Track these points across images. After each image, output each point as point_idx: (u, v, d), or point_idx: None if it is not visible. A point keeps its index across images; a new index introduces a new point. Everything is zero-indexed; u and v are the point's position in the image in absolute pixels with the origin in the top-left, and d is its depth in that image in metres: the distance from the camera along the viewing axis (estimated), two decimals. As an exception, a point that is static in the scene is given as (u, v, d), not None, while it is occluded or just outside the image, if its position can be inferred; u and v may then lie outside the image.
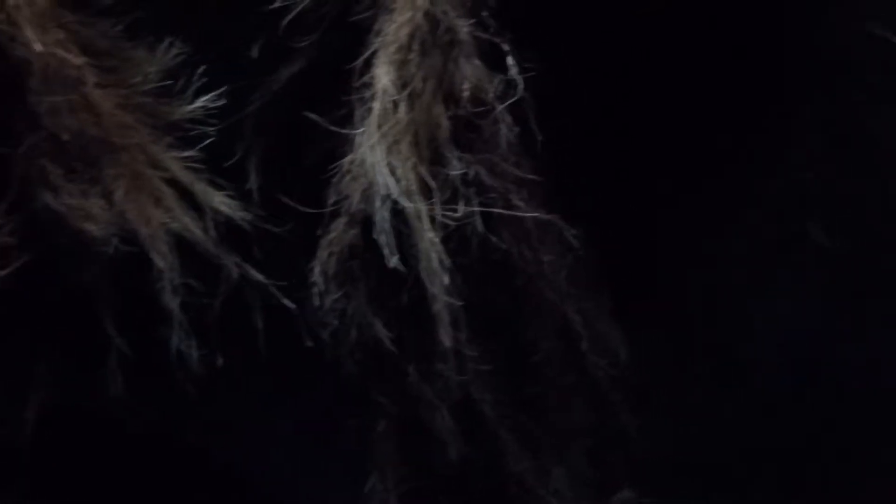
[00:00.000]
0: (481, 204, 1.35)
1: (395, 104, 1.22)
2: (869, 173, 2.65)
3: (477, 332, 1.43)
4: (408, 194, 1.23)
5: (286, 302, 1.25)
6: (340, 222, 1.39)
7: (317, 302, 1.36)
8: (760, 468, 3.19)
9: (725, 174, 2.12)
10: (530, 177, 1.39)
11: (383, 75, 1.21)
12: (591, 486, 1.67)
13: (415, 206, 1.20)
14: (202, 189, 1.21)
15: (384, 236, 1.23)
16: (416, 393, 1.43)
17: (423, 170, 1.23)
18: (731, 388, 2.86)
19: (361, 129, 1.24)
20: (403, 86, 1.23)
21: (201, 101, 1.39)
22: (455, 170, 1.34)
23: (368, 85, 1.26)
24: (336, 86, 1.48)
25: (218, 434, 1.51)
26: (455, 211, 1.33)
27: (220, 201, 1.23)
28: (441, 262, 1.21)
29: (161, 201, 1.20)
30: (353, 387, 1.45)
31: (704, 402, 2.65)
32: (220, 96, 1.44)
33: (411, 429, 1.47)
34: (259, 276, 1.25)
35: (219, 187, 1.28)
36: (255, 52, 1.38)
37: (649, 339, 2.25)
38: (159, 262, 1.18)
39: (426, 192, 1.25)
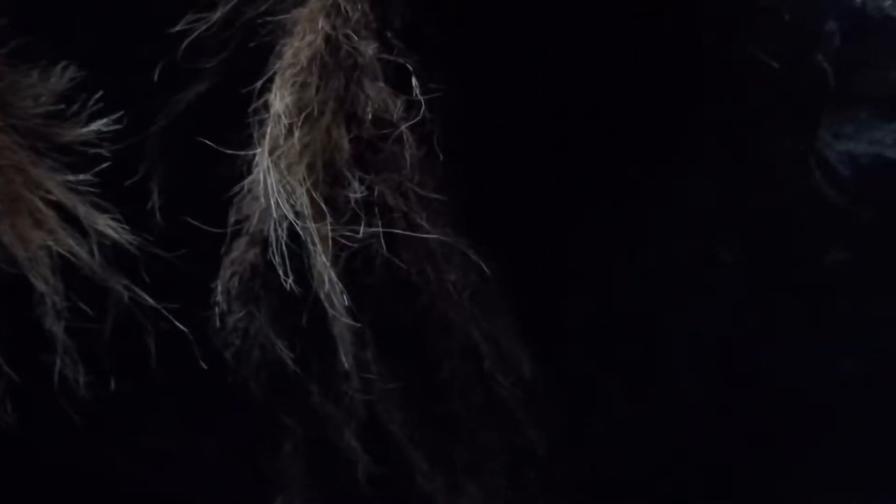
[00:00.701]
0: (384, 224, 1.34)
1: (291, 127, 1.20)
2: (762, 187, 2.69)
3: (382, 352, 1.42)
4: (302, 216, 1.21)
5: (179, 325, 1.23)
6: (242, 242, 1.37)
7: (218, 322, 1.34)
8: (681, 477, 3.19)
9: (631, 195, 2.14)
10: (434, 196, 1.39)
11: (278, 99, 1.20)
12: (502, 499, 1.66)
13: (309, 228, 1.19)
14: (86, 211, 1.18)
15: (279, 257, 1.22)
16: (321, 413, 1.41)
17: (318, 192, 1.22)
18: (649, 402, 2.87)
19: (258, 151, 1.23)
20: (300, 109, 1.22)
21: (95, 125, 1.36)
22: (356, 191, 1.33)
23: (266, 107, 1.25)
24: (239, 108, 1.46)
25: (120, 458, 1.47)
26: (357, 232, 1.32)
27: (106, 224, 1.20)
28: (336, 283, 1.20)
29: (42, 223, 1.17)
30: (259, 408, 1.43)
31: (622, 417, 2.66)
32: (119, 118, 1.42)
33: (319, 449, 1.45)
34: (149, 299, 1.23)
35: (105, 210, 1.26)
36: (156, 75, 1.36)
37: (563, 356, 2.25)
38: (40, 285, 1.15)
39: (323, 214, 1.24)
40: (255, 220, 1.33)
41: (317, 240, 1.16)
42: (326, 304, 1.26)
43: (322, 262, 1.15)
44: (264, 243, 1.31)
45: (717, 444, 3.50)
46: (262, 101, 1.23)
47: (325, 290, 1.23)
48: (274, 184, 1.18)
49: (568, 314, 2.35)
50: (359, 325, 1.35)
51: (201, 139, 1.32)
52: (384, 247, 1.31)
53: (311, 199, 1.19)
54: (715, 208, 2.76)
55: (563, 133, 1.72)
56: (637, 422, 2.98)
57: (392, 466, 1.59)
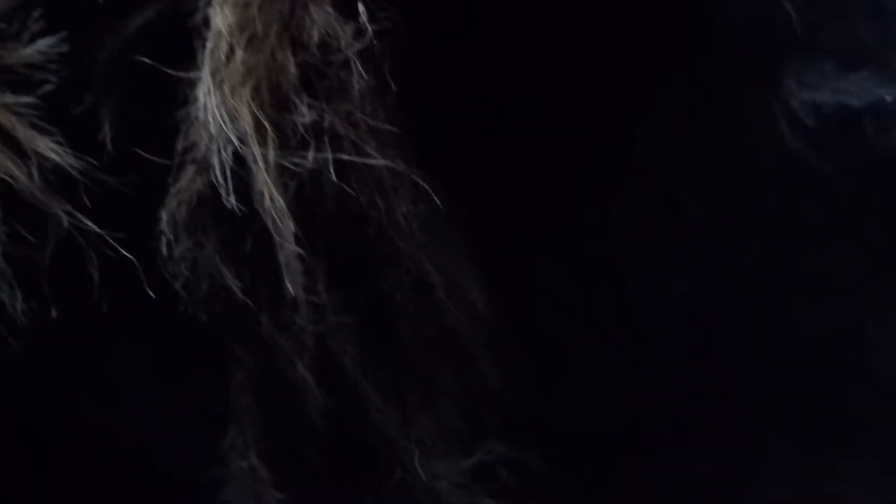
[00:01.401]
0: (334, 152, 1.32)
1: (233, 48, 1.18)
2: (728, 137, 2.68)
3: (333, 283, 1.41)
4: (247, 140, 1.19)
5: (125, 253, 1.21)
6: (189, 170, 1.34)
7: (165, 251, 1.32)
8: (651, 433, 3.20)
9: (594, 143, 2.12)
10: (385, 127, 1.37)
11: (219, 18, 1.17)
12: (459, 439, 1.66)
13: (254, 152, 1.17)
14: (26, 133, 1.15)
15: (223, 182, 1.19)
16: (271, 344, 1.39)
17: (263, 115, 1.20)
18: (621, 358, 2.87)
19: (201, 72, 1.20)
20: (242, 28, 1.19)
21: (40, 45, 1.33)
22: (304, 117, 1.30)
23: (208, 25, 1.22)
24: (188, 32, 1.42)
25: (67, 390, 1.46)
26: (305, 158, 1.30)
27: (47, 147, 1.17)
28: (282, 209, 1.18)
29: (-25, 144, 1.14)
30: (209, 339, 1.41)
31: (592, 372, 2.65)
32: (64, 41, 1.38)
33: (270, 382, 1.44)
34: (92, 226, 1.20)
35: (47, 132, 1.23)
36: (101, -1, 1.32)
37: (531, 309, 2.25)
38: (-28, 208, 1.12)
39: (269, 138, 1.22)
40: (201, 146, 1.30)
41: (262, 164, 1.14)
42: (273, 232, 1.24)
43: (268, 188, 1.13)
44: (211, 171, 1.28)
45: (689, 400, 3.54)
46: (202, 17, 1.19)
47: (271, 216, 1.21)
48: (215, 106, 1.15)
49: (535, 266, 2.34)
50: (304, 252, 1.33)
51: (149, 63, 1.28)
52: (333, 175, 1.29)
53: (257, 122, 1.16)
54: (682, 160, 2.76)
55: (524, 71, 1.70)
56: (608, 376, 2.99)
57: (344, 400, 1.58)
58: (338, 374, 1.57)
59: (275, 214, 1.17)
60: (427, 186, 1.32)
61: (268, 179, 1.11)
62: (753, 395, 3.45)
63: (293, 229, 1.23)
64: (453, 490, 1.69)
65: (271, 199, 1.11)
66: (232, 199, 1.15)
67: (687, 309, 3.03)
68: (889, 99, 2.61)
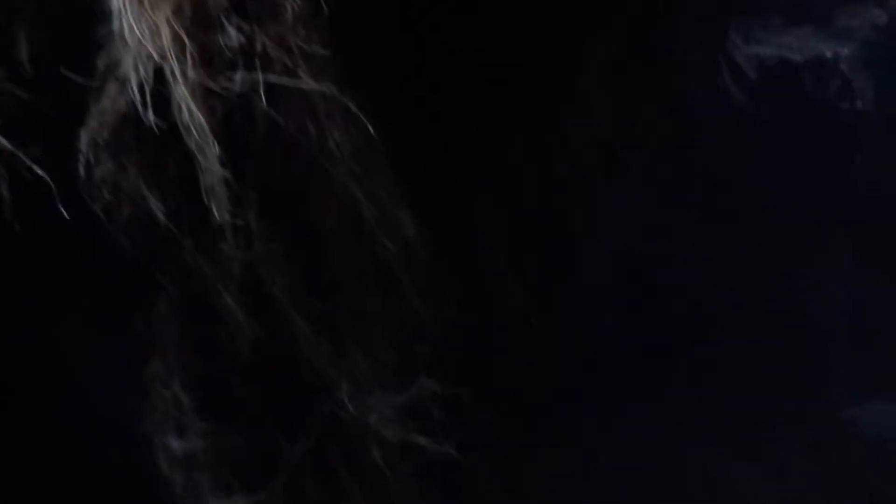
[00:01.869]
0: (264, 75, 1.28)
1: (151, -40, 1.13)
2: (672, 89, 2.67)
3: (263, 210, 1.37)
4: (167, 57, 1.14)
5: (40, 172, 1.16)
6: (111, 89, 1.29)
7: (84, 173, 1.27)
8: (583, 378, 3.21)
9: (536, 92, 2.10)
10: (318, 51, 1.32)
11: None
12: (391, 374, 1.65)
13: (171, 66, 1.12)
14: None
15: (139, 95, 1.15)
16: (198, 272, 1.36)
17: (188, 35, 1.15)
18: (559, 304, 2.87)
19: (123, -13, 1.15)
20: (163, -58, 1.14)
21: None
22: (233, 38, 1.25)
23: (126, -63, 1.17)
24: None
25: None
26: (233, 81, 1.25)
27: (-46, 60, 1.11)
28: (199, 123, 1.13)
29: None
30: (130, 265, 1.37)
31: (529, 317, 2.65)
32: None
33: (196, 311, 1.41)
34: (5, 143, 1.15)
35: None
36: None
37: (471, 253, 2.22)
38: None
39: (192, 57, 1.17)
40: (124, 64, 1.25)
41: (181, 80, 1.09)
42: (196, 154, 1.20)
43: (187, 104, 1.08)
44: (128, 84, 1.22)
45: (627, 350, 3.59)
46: (120, -72, 1.13)
47: (192, 136, 1.17)
48: (133, 20, 1.10)
49: (474, 206, 2.33)
50: (233, 177, 1.29)
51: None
52: (264, 100, 1.25)
53: (176, 37, 1.11)
54: (620, 109, 2.76)
55: (463, 7, 1.66)
56: (545, 322, 3.02)
57: (274, 331, 1.56)
58: (267, 304, 1.54)
59: (195, 133, 1.13)
60: (360, 113, 1.29)
61: (187, 95, 1.06)
62: (690, 344, 3.52)
63: (217, 152, 1.19)
64: (384, 424, 1.69)
65: (190, 114, 1.07)
66: (150, 115, 1.10)
67: (627, 259, 3.06)
68: (829, 54, 2.65)
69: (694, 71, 2.52)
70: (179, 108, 1.13)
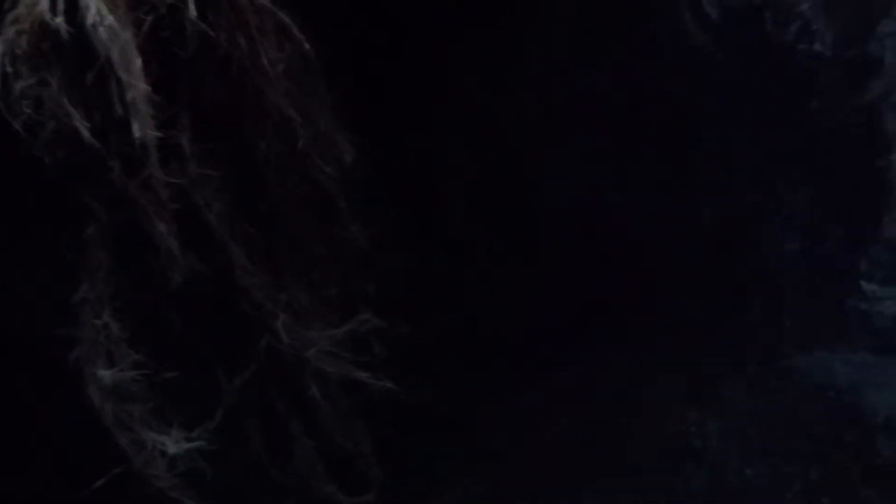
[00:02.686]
0: (194, -15, 1.21)
1: None
2: (625, 25, 2.61)
3: (197, 132, 1.31)
4: (85, -42, 1.07)
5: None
6: (28, -6, 1.21)
7: (3, 87, 1.20)
8: (543, 325, 3.17)
9: (486, 36, 2.03)
10: (252, -38, 1.26)
11: None
12: (331, 307, 1.62)
13: (88, -32, 1.06)
14: None
15: (61, 9, 1.07)
16: (127, 196, 1.30)
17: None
18: (523, 241, 2.83)
19: None
20: None
21: None
22: (160, -56, 1.18)
23: None
24: None
25: None
26: (161, -10, 1.18)
27: None
28: (112, 28, 1.06)
29: None
30: (55, 186, 1.31)
31: (492, 265, 2.61)
32: None
33: (125, 236, 1.35)
34: None
35: None
36: None
37: (427, 174, 2.17)
38: None
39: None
40: (42, -32, 1.16)
41: (101, -9, 1.01)
42: (118, 70, 1.13)
43: (97, 4, 1.01)
44: (53, -5, 1.14)
45: (586, 294, 3.60)
46: None
47: (115, 52, 1.10)
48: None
49: (431, 137, 2.28)
50: (164, 96, 1.23)
51: None
52: (192, 10, 1.18)
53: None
54: (579, 39, 2.71)
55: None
56: (500, 263, 3.00)
57: (209, 259, 1.51)
58: (202, 231, 1.49)
59: (106, 39, 1.05)
60: (295, 28, 1.22)
61: (109, 9, 0.99)
62: (644, 289, 3.53)
63: (140, 65, 1.12)
64: (323, 358, 1.66)
65: (100, 16, 1.00)
66: (61, 22, 1.03)
67: (589, 192, 3.03)
68: (790, -5, 2.61)
69: (655, 5, 2.48)
70: (93, 14, 1.06)
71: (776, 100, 2.71)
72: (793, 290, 4.00)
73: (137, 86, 1.14)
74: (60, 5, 1.05)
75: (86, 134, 1.24)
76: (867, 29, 2.68)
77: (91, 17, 0.99)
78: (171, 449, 1.59)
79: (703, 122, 2.90)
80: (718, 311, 3.75)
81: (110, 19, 1.01)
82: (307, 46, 1.21)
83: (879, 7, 2.55)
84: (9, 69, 1.22)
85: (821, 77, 2.62)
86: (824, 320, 4.13)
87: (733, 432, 4.02)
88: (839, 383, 4.21)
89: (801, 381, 4.12)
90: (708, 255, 3.50)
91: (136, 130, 1.14)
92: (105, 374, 1.37)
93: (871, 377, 4.27)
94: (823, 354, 4.28)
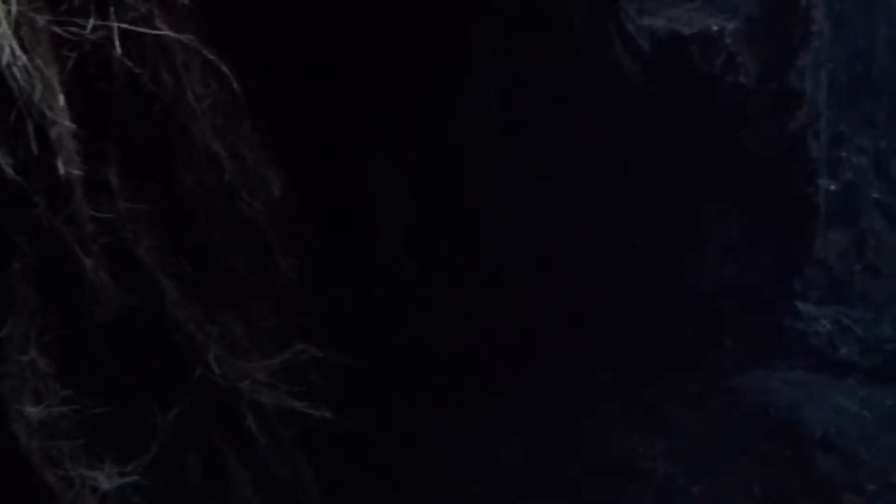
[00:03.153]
0: (119, 22, 1.21)
1: None
2: (562, 54, 2.67)
3: (126, 167, 1.31)
4: (2, -4, 1.07)
5: None
6: (-51, 33, 1.20)
7: (-76, 124, 1.18)
8: (481, 346, 3.18)
9: (420, 56, 2.06)
10: (179, 1, 1.27)
11: None
12: (265, 338, 1.61)
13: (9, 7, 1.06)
14: None
15: (-25, 40, 1.08)
16: (53, 232, 1.29)
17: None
18: (464, 261, 2.84)
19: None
20: None
21: None
22: (82, -18, 1.19)
23: None
24: None
25: None
26: (84, 27, 1.18)
27: None
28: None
29: None
30: (-21, 222, 1.29)
31: (428, 278, 2.61)
32: None
33: (54, 272, 1.34)
34: None
35: None
36: None
37: (362, 204, 2.18)
38: None
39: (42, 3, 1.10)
40: (-38, 7, 1.15)
41: (3, 17, 1.01)
42: (42, 106, 1.13)
43: (9, 43, 1.01)
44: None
45: (526, 319, 3.63)
46: None
47: (37, 90, 1.10)
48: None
49: (365, 168, 2.29)
50: (90, 131, 1.22)
51: None
52: (118, 47, 1.19)
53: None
54: (517, 75, 2.77)
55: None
56: (440, 288, 3.00)
57: (139, 293, 1.50)
58: (132, 265, 1.48)
59: (21, 78, 1.05)
60: (222, 65, 1.24)
61: (9, 33, 0.99)
62: (586, 316, 3.56)
63: (63, 102, 1.12)
64: (258, 389, 1.65)
65: (13, 56, 1.00)
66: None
67: (525, 222, 3.06)
68: (715, 28, 2.70)
69: (587, 36, 2.53)
70: (7, 55, 1.06)
71: (704, 130, 2.78)
72: (730, 313, 4.09)
73: (62, 122, 1.14)
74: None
75: (9, 171, 1.23)
76: (788, 61, 2.78)
77: (5, 58, 0.99)
78: (104, 485, 1.57)
79: (634, 152, 2.96)
80: (656, 337, 3.81)
81: (24, 59, 1.01)
82: (234, 84, 1.22)
83: (798, 40, 2.64)
84: (-69, 107, 1.20)
85: (747, 108, 2.71)
86: (762, 341, 4.22)
87: (678, 453, 4.08)
88: (778, 401, 4.30)
89: (741, 401, 4.19)
90: (642, 282, 3.56)
91: (61, 166, 1.14)
92: (32, 411, 1.35)
93: (808, 395, 4.36)
94: (762, 373, 4.37)
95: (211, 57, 1.22)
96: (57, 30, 1.14)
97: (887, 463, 3.78)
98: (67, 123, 1.16)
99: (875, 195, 4.37)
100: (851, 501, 3.61)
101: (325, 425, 1.90)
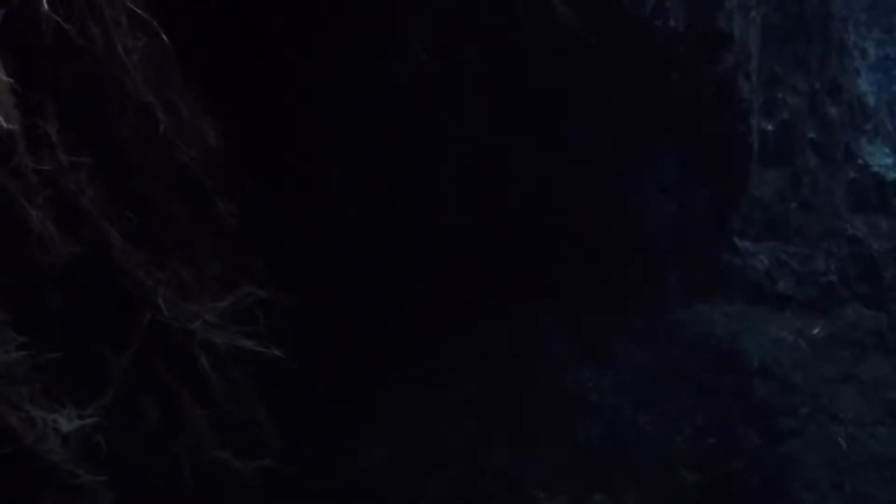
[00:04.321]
0: (45, -23, 1.24)
1: None
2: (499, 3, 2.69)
3: (64, 120, 1.35)
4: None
5: None
6: None
7: None
8: (440, 296, 3.23)
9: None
10: (106, -44, 1.29)
11: None
12: (213, 281, 1.67)
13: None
14: None
15: None
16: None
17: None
18: (415, 211, 2.89)
19: None
20: None
21: None
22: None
23: None
24: None
25: None
26: (11, -17, 1.21)
27: None
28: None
29: None
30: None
31: (376, 225, 2.66)
32: None
33: (2, 224, 1.38)
34: None
35: None
36: None
37: (309, 153, 2.21)
38: None
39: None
40: None
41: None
42: (-24, 62, 1.16)
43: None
44: None
45: (475, 262, 3.71)
46: None
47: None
48: None
49: (308, 118, 2.31)
50: (27, 86, 1.26)
51: None
52: (45, 3, 1.22)
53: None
54: (446, 25, 2.80)
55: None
56: (399, 243, 3.07)
57: (86, 242, 1.54)
58: (77, 215, 1.52)
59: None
60: (151, 18, 1.27)
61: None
62: (534, 252, 3.64)
63: (-3, 57, 1.15)
64: (209, 330, 1.72)
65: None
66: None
67: (467, 164, 3.11)
68: (645, -29, 2.74)
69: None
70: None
71: (638, 72, 2.85)
72: (671, 250, 4.21)
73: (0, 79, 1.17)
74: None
75: (-50, 125, 1.26)
76: (715, 4, 2.84)
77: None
78: (65, 426, 1.63)
79: (572, 94, 3.02)
80: (602, 274, 3.92)
81: None
82: (164, 36, 1.26)
83: (725, -17, 2.70)
84: None
85: (676, 50, 2.77)
86: (702, 276, 4.36)
87: (625, 385, 4.23)
88: (718, 333, 4.46)
89: (684, 334, 4.35)
90: (585, 222, 3.66)
91: (2, 121, 1.18)
92: (-11, 357, 1.39)
93: (746, 326, 4.53)
94: (703, 308, 4.53)
95: (138, 11, 1.26)
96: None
97: (820, 388, 3.96)
98: (4, 78, 1.19)
99: (811, 135, 4.48)
100: (786, 424, 3.80)
101: (278, 366, 1.97)
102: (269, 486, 2.13)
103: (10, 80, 1.21)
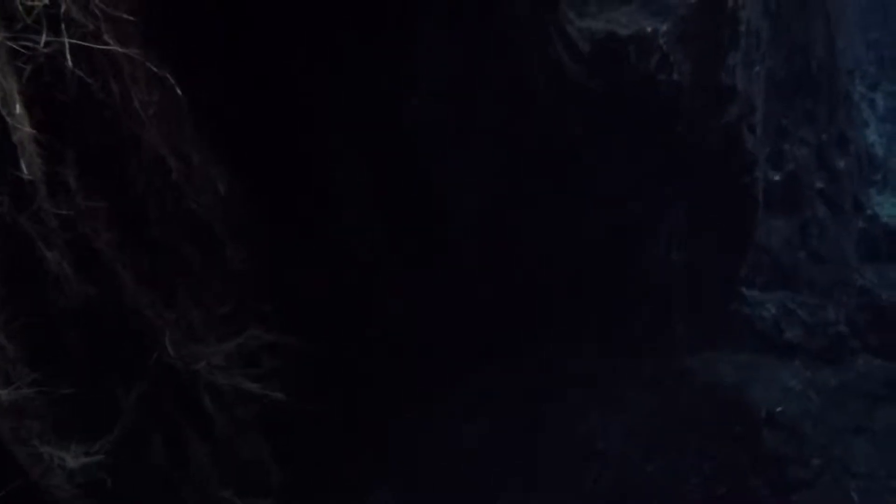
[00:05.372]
0: (70, 38, 1.32)
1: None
2: (502, 53, 2.78)
3: (83, 167, 1.42)
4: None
5: None
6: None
7: None
8: (450, 337, 3.30)
9: (372, 53, 2.16)
10: (124, 16, 1.37)
11: None
12: (220, 323, 1.72)
13: (-35, 25, 1.16)
14: None
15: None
16: (18, 228, 1.39)
17: (-16, -8, 1.18)
18: (425, 252, 2.94)
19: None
20: None
21: None
22: (36, 0, 1.29)
23: None
24: None
25: None
26: (37, 42, 1.29)
27: None
28: (8, 89, 1.18)
29: None
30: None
31: (387, 268, 2.70)
32: None
33: (20, 266, 1.44)
34: None
35: None
36: None
37: (319, 198, 2.27)
38: None
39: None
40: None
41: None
42: (3, 112, 1.23)
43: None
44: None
45: (486, 302, 3.74)
46: None
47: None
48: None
49: (322, 165, 2.39)
50: (49, 136, 1.33)
51: None
52: (69, 60, 1.29)
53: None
54: (461, 72, 2.88)
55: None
56: (414, 284, 3.10)
57: (100, 284, 1.60)
58: (92, 258, 1.59)
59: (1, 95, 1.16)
60: (167, 75, 1.34)
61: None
62: (546, 298, 3.67)
63: (21, 109, 1.22)
64: (214, 372, 1.76)
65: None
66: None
67: (481, 209, 3.16)
68: (649, 30, 2.83)
69: (527, 34, 2.64)
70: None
71: (645, 124, 2.91)
72: (680, 298, 4.23)
73: (22, 128, 1.25)
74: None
75: (-28, 173, 1.33)
76: (719, 59, 2.91)
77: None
78: (71, 463, 1.67)
79: (581, 143, 3.08)
80: (613, 320, 3.95)
81: (9, 86, 1.12)
82: (178, 91, 1.33)
83: (728, 40, 2.77)
84: None
85: (681, 103, 2.83)
86: (710, 324, 4.37)
87: (634, 432, 4.22)
88: (726, 382, 4.45)
89: (692, 382, 4.35)
90: (596, 269, 3.69)
91: (24, 168, 1.24)
92: (2, 393, 1.44)
93: (754, 375, 4.52)
94: (711, 355, 4.53)
95: (154, 69, 1.33)
96: (15, 46, 1.24)
97: (831, 439, 3.93)
98: (27, 129, 1.26)
99: (819, 185, 4.51)
100: (797, 475, 3.76)
101: (283, 407, 2.01)
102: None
103: (33, 132, 1.28)
